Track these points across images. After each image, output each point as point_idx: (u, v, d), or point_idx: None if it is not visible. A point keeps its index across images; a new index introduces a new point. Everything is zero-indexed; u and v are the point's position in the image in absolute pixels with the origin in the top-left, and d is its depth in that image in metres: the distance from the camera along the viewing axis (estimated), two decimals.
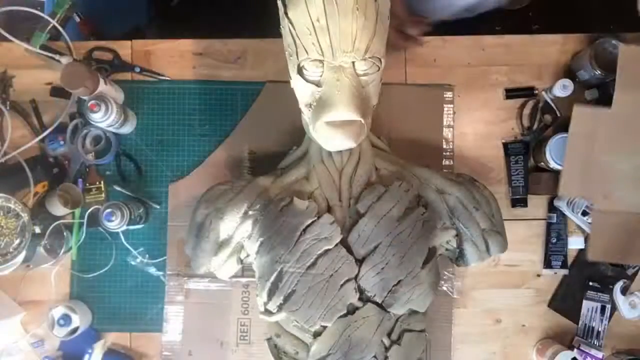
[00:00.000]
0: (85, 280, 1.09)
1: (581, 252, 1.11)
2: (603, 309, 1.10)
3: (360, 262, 0.88)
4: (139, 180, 1.11)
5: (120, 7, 1.45)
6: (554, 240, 1.10)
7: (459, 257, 0.96)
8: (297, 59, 0.81)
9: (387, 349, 0.89)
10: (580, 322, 1.10)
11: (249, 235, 0.93)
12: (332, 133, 0.83)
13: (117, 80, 1.11)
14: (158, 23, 1.58)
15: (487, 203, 0.96)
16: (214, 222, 0.93)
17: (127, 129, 1.10)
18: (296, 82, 0.85)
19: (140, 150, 1.12)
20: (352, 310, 0.88)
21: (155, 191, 1.11)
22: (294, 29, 0.80)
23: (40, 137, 1.09)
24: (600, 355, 1.06)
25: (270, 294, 0.89)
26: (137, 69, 1.12)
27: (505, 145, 1.13)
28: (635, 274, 1.11)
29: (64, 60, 1.08)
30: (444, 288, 1.09)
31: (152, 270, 1.09)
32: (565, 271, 1.11)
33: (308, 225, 0.88)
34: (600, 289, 1.10)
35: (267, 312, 0.92)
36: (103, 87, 1.02)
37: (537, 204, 1.12)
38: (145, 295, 1.10)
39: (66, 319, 1.02)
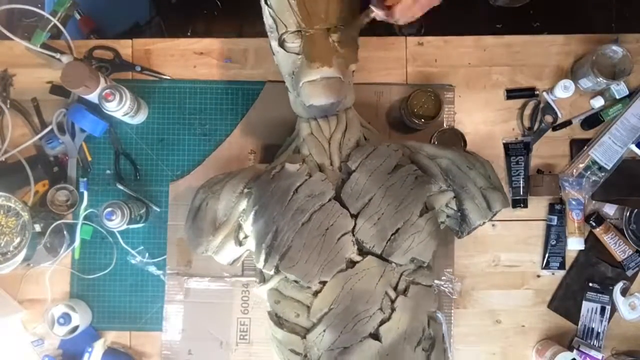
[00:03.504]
0: (85, 279, 1.09)
1: (581, 253, 1.11)
2: (603, 309, 1.10)
3: (355, 216, 0.89)
4: (139, 180, 1.11)
5: (121, 6, 1.45)
6: (554, 242, 1.10)
7: (462, 222, 0.96)
8: (278, 33, 0.92)
9: (393, 301, 0.88)
10: (580, 323, 1.10)
11: (244, 210, 0.95)
12: (313, 89, 0.91)
13: (117, 79, 1.11)
14: (158, 21, 1.58)
15: (481, 165, 0.97)
16: (210, 202, 0.95)
17: (140, 118, 1.10)
18: (278, 54, 0.95)
19: (140, 150, 1.12)
20: (351, 265, 0.88)
21: (155, 190, 1.11)
22: (274, 11, 0.91)
23: (39, 135, 1.09)
24: (599, 356, 1.07)
25: (267, 256, 0.89)
26: (138, 68, 1.12)
27: (505, 145, 1.13)
28: (635, 275, 1.11)
29: (65, 59, 1.08)
30: (444, 288, 1.09)
31: (152, 269, 1.09)
32: (562, 272, 1.11)
33: (300, 185, 0.91)
34: (600, 290, 1.10)
35: (264, 279, 0.93)
36: (103, 86, 1.02)
37: (537, 205, 1.12)
38: (145, 294, 1.10)
39: (66, 317, 1.02)
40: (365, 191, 0.90)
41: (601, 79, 1.04)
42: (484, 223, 0.96)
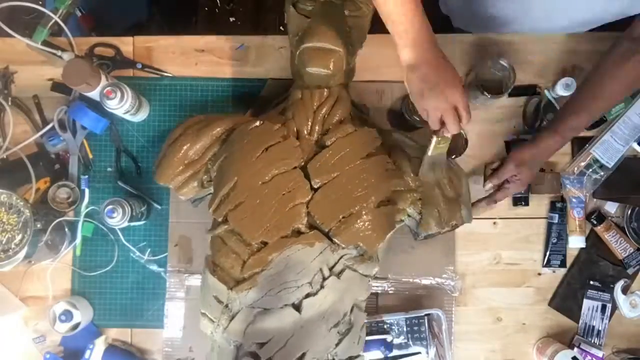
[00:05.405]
0: (87, 277, 1.09)
1: (582, 251, 1.11)
2: (604, 308, 1.10)
3: (315, 190, 0.90)
4: (140, 177, 1.12)
5: (122, 3, 1.45)
6: (555, 240, 1.10)
7: (419, 225, 0.96)
8: None
9: (324, 279, 0.89)
10: (580, 321, 1.11)
11: (215, 154, 0.97)
12: (311, 55, 0.93)
13: (118, 76, 1.11)
14: (159, 19, 1.58)
15: (457, 176, 0.97)
16: (187, 139, 0.97)
17: (141, 116, 1.10)
18: (289, 14, 0.97)
19: (141, 147, 1.12)
20: (296, 235, 0.89)
21: (156, 188, 1.11)
22: None
23: (41, 132, 1.09)
24: (600, 354, 1.07)
25: (221, 203, 0.91)
26: (139, 66, 1.12)
27: (507, 143, 1.12)
28: (636, 273, 1.11)
29: (66, 56, 1.08)
30: (445, 286, 1.09)
31: (154, 267, 1.09)
32: (563, 270, 1.11)
33: (272, 145, 0.91)
34: (601, 288, 1.10)
35: (212, 226, 0.94)
36: (104, 83, 1.02)
37: (538, 203, 1.12)
38: (146, 292, 1.10)
39: (67, 314, 1.03)
40: (331, 169, 0.90)
41: (486, 95, 1.03)
42: (439, 233, 0.96)
